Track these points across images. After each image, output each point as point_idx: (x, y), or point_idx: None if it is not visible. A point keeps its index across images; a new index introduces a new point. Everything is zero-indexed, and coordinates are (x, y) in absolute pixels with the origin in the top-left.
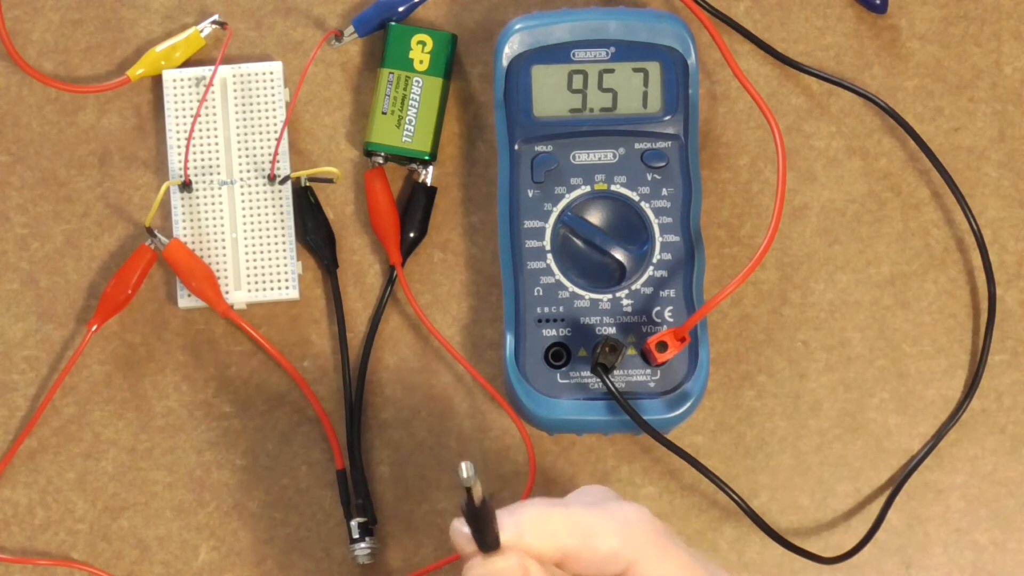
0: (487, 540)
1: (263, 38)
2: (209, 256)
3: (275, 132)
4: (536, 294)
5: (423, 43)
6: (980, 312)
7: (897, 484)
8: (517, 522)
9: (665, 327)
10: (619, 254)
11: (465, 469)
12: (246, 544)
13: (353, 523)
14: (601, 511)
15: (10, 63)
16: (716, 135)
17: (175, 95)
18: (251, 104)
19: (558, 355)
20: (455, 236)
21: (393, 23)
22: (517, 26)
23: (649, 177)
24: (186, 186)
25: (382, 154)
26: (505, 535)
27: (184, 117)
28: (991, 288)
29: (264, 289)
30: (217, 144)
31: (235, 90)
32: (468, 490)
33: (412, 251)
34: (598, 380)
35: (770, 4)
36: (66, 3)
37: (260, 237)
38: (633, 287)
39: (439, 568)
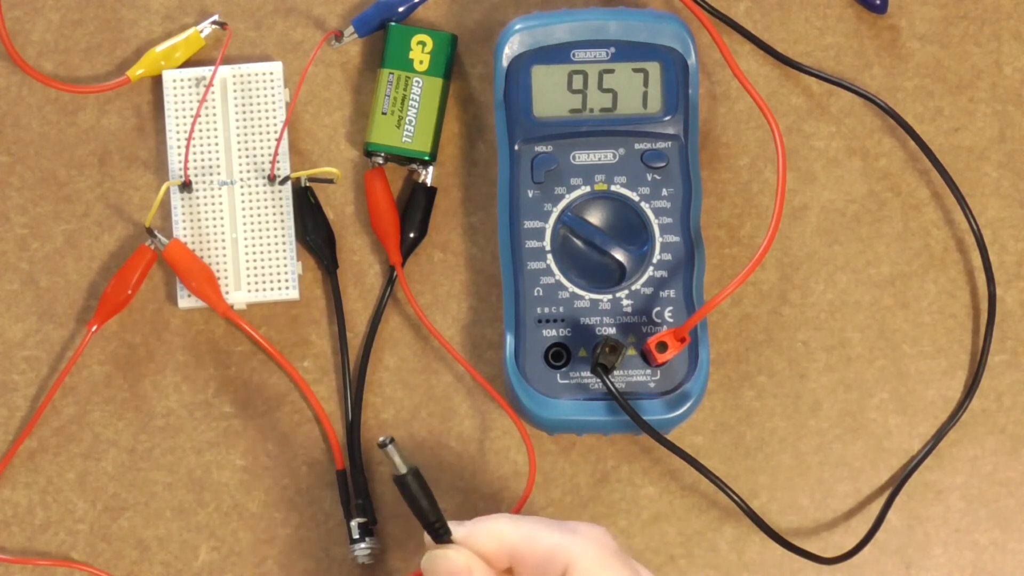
0: (430, 521)
1: (263, 38)
2: (209, 256)
3: (275, 132)
4: (536, 294)
5: (423, 43)
6: (980, 312)
7: (897, 484)
8: (471, 524)
9: (665, 327)
10: (619, 254)
11: (385, 442)
12: (246, 544)
13: (353, 523)
14: (552, 521)
15: (10, 63)
16: (716, 135)
17: (175, 95)
18: (251, 104)
19: (558, 355)
20: (455, 236)
21: (393, 23)
22: (517, 26)
23: (649, 177)
24: (186, 186)
25: (382, 154)
26: (457, 534)
27: (184, 117)
28: (991, 288)
29: (264, 289)
30: (217, 144)
31: (235, 90)
32: (394, 468)
33: (412, 251)
34: (598, 380)
35: (770, 4)
36: (66, 3)
37: (260, 237)
38: (633, 287)
39: None
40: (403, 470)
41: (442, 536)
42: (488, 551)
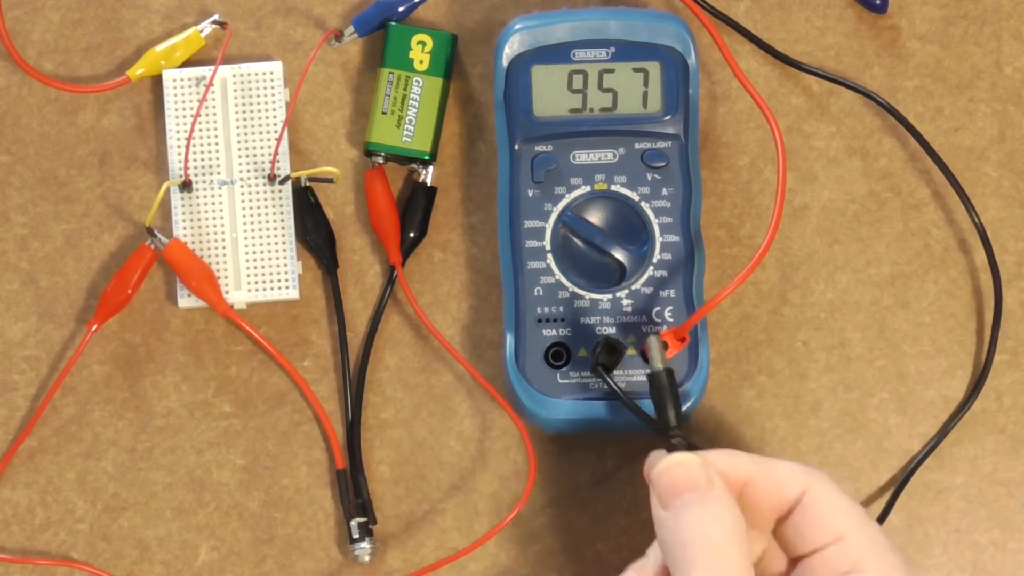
0: (672, 426)
1: (263, 38)
2: (209, 256)
3: (275, 132)
4: (536, 294)
5: (423, 43)
6: (980, 312)
7: (897, 484)
8: (702, 452)
9: (665, 327)
10: (619, 254)
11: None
12: (246, 544)
13: (353, 523)
14: None
15: (10, 63)
16: (716, 135)
17: (175, 95)
18: (251, 104)
19: (558, 355)
20: (455, 236)
21: (393, 23)
22: (517, 26)
23: (649, 177)
24: (186, 186)
25: (382, 154)
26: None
27: (184, 117)
28: (997, 285)
29: (264, 289)
30: (217, 144)
31: (235, 90)
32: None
33: (412, 251)
34: (598, 380)
35: (770, 4)
36: (66, 3)
37: (260, 237)
38: (633, 287)
39: (439, 568)
40: (661, 366)
41: (680, 448)
42: (725, 469)
